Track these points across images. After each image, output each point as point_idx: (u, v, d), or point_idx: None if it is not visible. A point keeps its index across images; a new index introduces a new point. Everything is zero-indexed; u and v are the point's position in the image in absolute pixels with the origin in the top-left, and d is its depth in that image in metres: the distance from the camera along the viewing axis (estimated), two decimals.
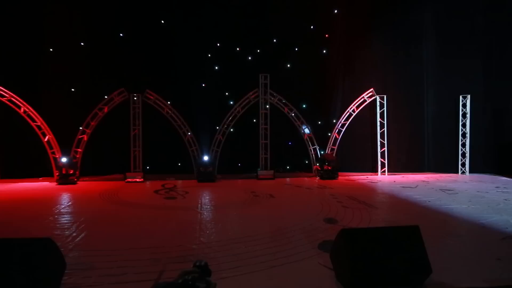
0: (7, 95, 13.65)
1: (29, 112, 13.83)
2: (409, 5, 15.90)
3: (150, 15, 15.04)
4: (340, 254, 4.86)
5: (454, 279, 4.94)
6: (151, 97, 14.75)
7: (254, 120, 15.40)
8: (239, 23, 15.66)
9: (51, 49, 14.43)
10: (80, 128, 14.28)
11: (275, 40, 16.04)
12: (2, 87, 13.56)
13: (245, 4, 15.43)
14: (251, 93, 15.20)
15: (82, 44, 14.63)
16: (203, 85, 15.58)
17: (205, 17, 15.14)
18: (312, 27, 16.16)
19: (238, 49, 15.84)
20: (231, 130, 15.34)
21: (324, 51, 16.34)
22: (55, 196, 11.29)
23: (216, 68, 15.73)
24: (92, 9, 14.38)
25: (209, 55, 15.66)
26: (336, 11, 16.17)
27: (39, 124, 13.94)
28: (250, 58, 15.92)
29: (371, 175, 15.76)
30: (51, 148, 14.14)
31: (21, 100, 13.75)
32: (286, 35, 15.96)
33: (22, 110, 13.77)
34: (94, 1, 14.38)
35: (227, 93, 15.90)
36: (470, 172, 15.80)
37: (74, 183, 13.51)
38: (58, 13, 14.13)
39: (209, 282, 1.72)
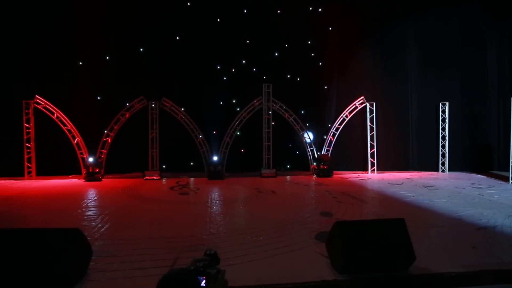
0: (42, 103, 13.80)
1: (61, 118, 13.93)
2: (394, 22, 15.83)
3: (166, 32, 15.06)
4: (334, 243, 4.87)
5: (435, 265, 4.94)
6: (167, 104, 14.79)
7: (258, 124, 15.38)
8: (245, 39, 15.68)
9: (80, 63, 14.52)
10: (105, 131, 14.34)
11: (277, 54, 16.04)
12: (38, 95, 13.74)
13: (251, 23, 15.47)
14: (255, 101, 15.20)
15: (107, 57, 14.71)
16: (213, 93, 15.59)
17: (215, 33, 15.16)
18: (309, 42, 16.15)
19: (244, 61, 15.85)
20: (238, 133, 15.33)
21: (320, 63, 16.30)
22: (82, 192, 11.36)
23: (225, 78, 15.72)
24: (115, 27, 14.42)
25: (218, 67, 15.68)
26: (330, 28, 16.18)
27: (69, 128, 14.03)
28: (254, 69, 15.91)
29: (362, 173, 15.69)
30: (79, 149, 14.22)
31: (54, 107, 13.89)
32: (287, 49, 15.96)
33: (55, 116, 13.89)
34: (117, 20, 14.42)
35: (234, 101, 15.88)
36: (449, 170, 15.70)
37: (99, 180, 13.58)
38: (86, 30, 14.20)
39: (218, 269, 1.72)
